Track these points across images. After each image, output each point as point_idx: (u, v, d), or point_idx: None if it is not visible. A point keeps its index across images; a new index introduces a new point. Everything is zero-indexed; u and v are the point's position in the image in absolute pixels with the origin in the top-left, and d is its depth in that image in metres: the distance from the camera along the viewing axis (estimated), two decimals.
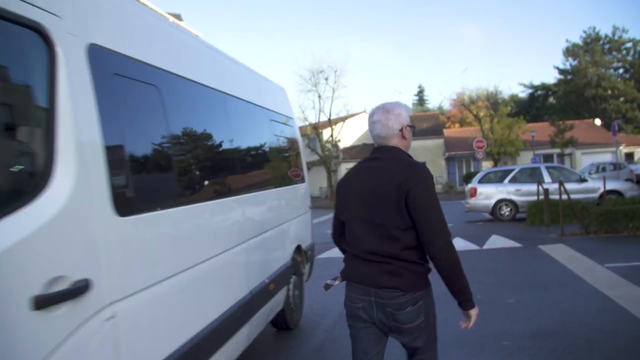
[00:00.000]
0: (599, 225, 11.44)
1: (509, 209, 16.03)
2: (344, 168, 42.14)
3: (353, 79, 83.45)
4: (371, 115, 2.77)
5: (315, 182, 43.79)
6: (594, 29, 60.87)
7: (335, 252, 6.15)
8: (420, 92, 79.91)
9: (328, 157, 32.02)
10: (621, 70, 59.72)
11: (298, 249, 6.27)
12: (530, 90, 67.47)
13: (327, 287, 2.95)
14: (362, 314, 2.66)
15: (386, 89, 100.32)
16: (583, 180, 15.85)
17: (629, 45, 59.04)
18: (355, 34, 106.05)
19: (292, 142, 6.78)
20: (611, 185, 15.54)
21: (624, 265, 8.23)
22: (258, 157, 5.38)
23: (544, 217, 13.78)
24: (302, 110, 51.05)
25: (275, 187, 5.69)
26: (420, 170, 2.56)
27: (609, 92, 56.40)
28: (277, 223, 5.49)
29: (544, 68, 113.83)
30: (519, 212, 15.91)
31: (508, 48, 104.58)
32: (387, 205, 2.55)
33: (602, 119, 51.31)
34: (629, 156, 44.37)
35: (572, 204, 12.07)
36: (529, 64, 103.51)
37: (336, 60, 68.71)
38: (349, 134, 48.70)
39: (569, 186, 14.58)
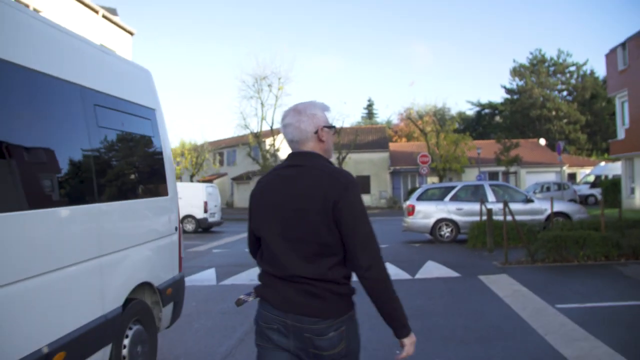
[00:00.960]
0: (547, 252, 10.03)
1: (449, 229, 14.52)
2: None
3: (300, 89, 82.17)
4: (283, 118, 2.45)
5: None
6: (540, 50, 61.85)
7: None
8: (370, 106, 79.36)
9: (266, 166, 30.22)
10: (565, 93, 60.57)
11: (146, 287, 4.47)
12: (477, 108, 67.86)
13: (240, 302, 2.51)
14: (276, 337, 2.32)
15: (335, 101, 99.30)
16: (529, 201, 14.56)
17: (572, 68, 60.16)
18: (306, 45, 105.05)
19: (148, 142, 4.94)
20: (559, 206, 14.28)
21: (579, 307, 6.73)
22: (76, 159, 3.62)
23: (486, 240, 12.34)
24: (243, 117, 49.69)
25: (106, 200, 3.88)
26: (347, 179, 2.27)
27: (553, 113, 57.15)
28: (98, 252, 3.67)
29: (493, 87, 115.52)
30: (461, 233, 14.45)
31: (458, 66, 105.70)
32: (310, 219, 2.22)
33: (546, 139, 51.64)
34: (572, 177, 44.56)
35: (517, 227, 10.64)
36: (478, 82, 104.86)
37: (280, 67, 66.99)
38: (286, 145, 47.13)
39: (514, 206, 13.26)
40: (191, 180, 47.33)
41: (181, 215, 22.23)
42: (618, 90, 28.11)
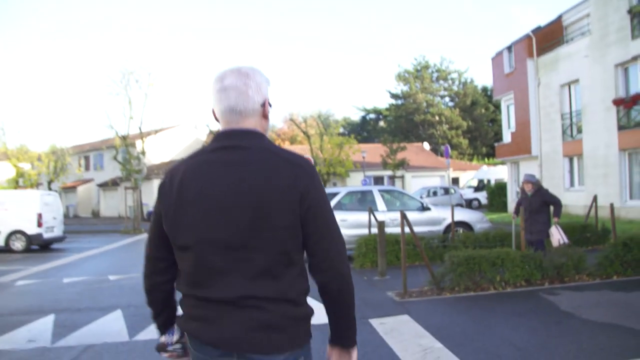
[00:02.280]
0: (457, 278, 7.60)
1: None
2: (147, 186, 36.56)
3: (175, 87, 76.99)
4: (220, 79, 1.82)
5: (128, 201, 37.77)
6: (424, 57, 62.25)
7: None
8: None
9: (129, 171, 26.28)
10: (447, 99, 61.31)
11: None
12: (362, 113, 67.23)
13: (163, 347, 1.93)
14: None
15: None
16: (425, 209, 12.23)
17: (454, 75, 60.96)
18: (184, 40, 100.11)
19: None
20: (459, 215, 12.10)
21: None
22: None
23: (377, 260, 9.82)
24: (108, 116, 44.93)
25: None
26: (310, 166, 1.79)
27: (437, 118, 57.44)
28: None
29: (379, 93, 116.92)
30: (346, 250, 11.86)
31: (344, 72, 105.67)
32: (269, 220, 1.68)
33: (430, 144, 51.62)
34: (455, 181, 44.41)
35: (419, 244, 8.14)
36: (365, 88, 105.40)
37: (150, 62, 62.08)
38: (166, 149, 43.18)
39: (409, 216, 10.92)
40: (49, 188, 41.70)
41: (6, 231, 18.56)
42: (504, 93, 27.36)
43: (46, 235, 17.87)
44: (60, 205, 19.61)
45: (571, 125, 22.62)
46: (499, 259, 7.68)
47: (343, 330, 1.88)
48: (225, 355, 1.72)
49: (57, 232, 18.77)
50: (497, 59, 27.97)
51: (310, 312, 1.83)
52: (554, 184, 23.34)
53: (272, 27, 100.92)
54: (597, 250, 11.13)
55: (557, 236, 8.44)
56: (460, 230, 11.95)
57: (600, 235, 11.83)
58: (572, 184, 22.86)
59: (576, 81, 21.92)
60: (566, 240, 8.40)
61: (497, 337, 5.45)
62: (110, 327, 6.50)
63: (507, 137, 27.60)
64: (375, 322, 6.19)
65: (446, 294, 7.51)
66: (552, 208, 8.64)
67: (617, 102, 19.27)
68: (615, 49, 19.39)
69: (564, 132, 22.92)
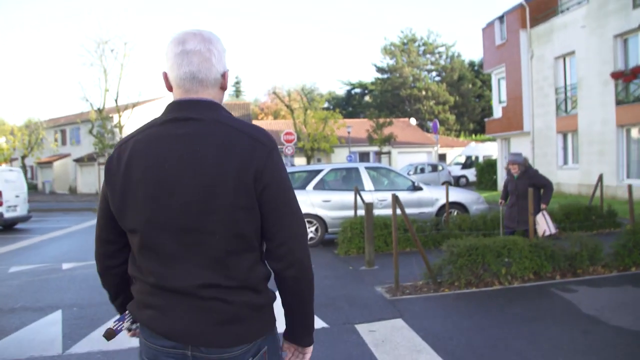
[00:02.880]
0: (457, 271, 6.56)
1: (313, 228, 10.63)
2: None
3: (153, 58, 74.42)
4: (181, 42, 1.62)
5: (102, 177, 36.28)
6: (411, 30, 60.85)
7: None
8: (237, 84, 74.68)
9: (103, 146, 24.89)
10: (434, 73, 60.09)
11: None
12: (348, 88, 65.84)
13: (112, 335, 1.69)
14: None
15: None
16: (417, 189, 11.12)
17: (441, 49, 59.70)
18: (165, 9, 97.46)
19: None
20: (453, 195, 11.02)
21: None
22: None
23: (364, 246, 8.77)
24: (82, 88, 43.20)
25: None
26: (270, 140, 1.62)
27: (423, 93, 56.33)
28: None
29: (365, 67, 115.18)
30: (329, 233, 10.80)
31: (330, 45, 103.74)
32: (221, 200, 1.51)
33: (416, 119, 50.60)
34: (442, 157, 43.52)
35: (412, 231, 7.02)
36: (351, 62, 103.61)
37: (127, 31, 59.53)
38: (142, 122, 41.41)
39: (399, 196, 9.97)
40: (22, 164, 40.04)
41: None
42: (495, 66, 26.23)
43: (7, 215, 16.52)
44: (24, 183, 18.24)
45: (565, 99, 21.63)
46: (505, 248, 6.65)
47: (299, 328, 1.73)
48: (178, 348, 1.56)
49: (21, 211, 17.41)
50: (487, 30, 26.78)
51: (272, 297, 1.67)
52: (547, 162, 22.46)
53: (255, 3, 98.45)
54: (603, 235, 10.23)
55: (543, 225, 7.60)
56: (455, 213, 10.92)
57: (606, 219, 10.87)
58: (565, 161, 21.95)
59: (572, 53, 20.86)
60: (553, 231, 7.59)
61: (514, 353, 4.42)
62: (43, 334, 5.37)
63: (497, 112, 26.56)
64: (363, 330, 5.13)
65: (445, 290, 6.47)
66: (541, 192, 7.80)
67: (616, 75, 18.26)
68: (615, 19, 18.31)
69: (558, 107, 21.92)
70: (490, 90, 58.36)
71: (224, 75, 1.69)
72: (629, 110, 17.89)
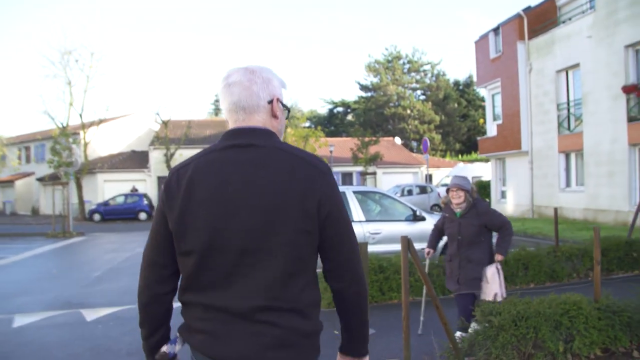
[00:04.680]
0: (499, 352, 4.36)
1: None
2: (91, 181, 32.73)
3: (124, 70, 71.63)
4: (227, 77, 1.79)
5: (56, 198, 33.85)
6: (396, 47, 59.35)
7: None
8: (217, 101, 72.54)
9: (58, 163, 22.52)
10: (419, 92, 58.55)
11: None
12: (330, 106, 64.02)
13: (164, 357, 1.77)
14: None
15: (179, 95, 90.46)
16: (418, 218, 8.90)
17: (427, 67, 58.29)
18: (142, 21, 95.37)
19: None
20: None
21: None
22: None
23: None
24: (43, 102, 40.69)
25: None
26: (326, 167, 1.73)
27: (408, 111, 54.59)
28: None
29: (348, 86, 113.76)
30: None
31: (312, 63, 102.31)
32: (284, 224, 1.60)
33: (401, 139, 48.86)
34: (428, 178, 41.71)
35: (427, 281, 4.80)
36: (335, 80, 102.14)
37: (93, 41, 57.07)
38: (116, 140, 39.22)
39: (397, 229, 7.86)
40: None
41: None
42: (489, 80, 24.40)
43: None
44: None
45: (569, 116, 19.79)
46: (566, 316, 4.51)
47: (359, 339, 1.81)
48: None
49: None
50: (481, 42, 25.03)
51: (320, 327, 1.74)
52: (547, 184, 20.56)
53: (236, 20, 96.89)
54: None
55: (495, 286, 5.00)
56: None
57: None
58: (568, 183, 20.03)
59: (576, 66, 19.08)
60: (504, 294, 5.04)
61: None
62: None
63: (492, 130, 24.68)
64: None
65: None
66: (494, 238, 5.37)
67: (628, 90, 16.47)
68: (626, 28, 16.58)
69: (559, 125, 20.07)
70: (476, 110, 57.50)
71: (271, 103, 1.76)
72: None
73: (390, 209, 9.33)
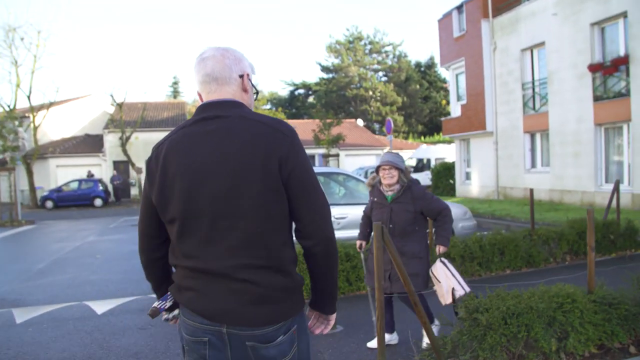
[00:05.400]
0: (488, 354, 3.81)
1: None
2: (42, 166, 31.26)
3: (75, 51, 68.69)
4: (202, 53, 1.93)
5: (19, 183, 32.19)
6: (357, 28, 58.68)
7: None
8: (175, 84, 70.61)
9: (3, 148, 21.17)
10: (381, 73, 58.03)
11: None
12: (291, 88, 62.99)
13: (155, 313, 1.97)
14: (210, 353, 1.80)
15: (136, 78, 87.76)
16: None
17: (388, 49, 57.72)
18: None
19: None
20: None
21: None
22: None
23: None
24: None
25: None
26: (291, 131, 1.83)
27: (370, 93, 54.05)
28: None
29: (311, 67, 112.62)
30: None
31: (273, 44, 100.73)
32: (249, 187, 1.72)
33: (363, 120, 48.41)
34: None
35: (400, 273, 4.26)
36: (295, 61, 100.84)
37: (40, 18, 54.33)
38: (69, 123, 37.49)
39: (360, 211, 7.29)
40: None
41: None
42: (452, 60, 23.96)
43: None
44: None
45: (534, 96, 19.52)
46: (560, 311, 3.98)
47: (326, 297, 1.94)
48: (214, 326, 1.75)
49: None
50: (444, 21, 24.55)
51: (300, 281, 1.85)
52: (513, 164, 20.34)
53: (194, 3, 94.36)
54: (624, 259, 7.87)
55: (447, 283, 4.33)
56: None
57: (626, 237, 8.46)
58: (534, 164, 19.83)
59: (541, 44, 18.76)
60: (467, 289, 4.32)
61: None
62: None
63: (456, 111, 24.31)
64: None
65: None
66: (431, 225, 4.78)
67: (594, 68, 16.22)
68: (592, 5, 16.27)
69: (524, 104, 19.80)
70: (437, 91, 57.44)
71: (242, 77, 1.91)
72: (609, 107, 15.86)
73: (356, 192, 8.73)
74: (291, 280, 1.79)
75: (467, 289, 4.34)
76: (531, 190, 8.16)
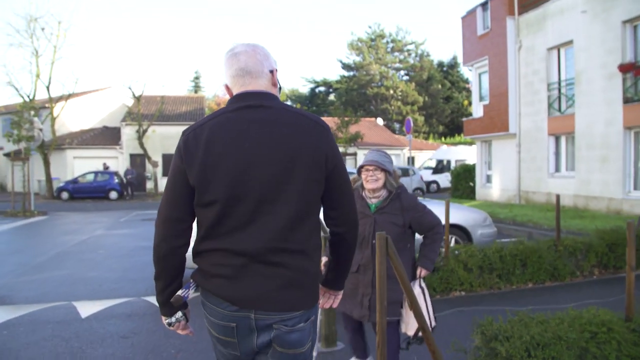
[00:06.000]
0: None
1: None
2: (59, 157, 31.19)
3: (95, 42, 68.57)
4: (233, 49, 2.01)
5: (36, 173, 32.21)
6: (379, 25, 57.84)
7: None
8: (197, 79, 70.47)
9: (18, 137, 20.99)
10: (402, 72, 57.20)
11: None
12: (312, 86, 62.45)
13: (179, 301, 1.93)
14: (238, 339, 1.86)
15: (157, 71, 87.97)
16: None
17: (411, 47, 56.87)
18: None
19: None
20: (453, 215, 7.66)
21: None
22: None
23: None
24: (8, 74, 38.70)
25: None
26: (328, 126, 1.97)
27: (391, 92, 53.27)
28: None
29: (332, 64, 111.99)
30: None
31: (294, 41, 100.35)
32: (298, 174, 1.82)
33: (383, 120, 47.73)
34: (411, 161, 40.71)
35: (405, 291, 3.69)
36: (317, 59, 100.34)
37: (61, 9, 54.06)
38: (88, 115, 37.47)
39: None
40: None
41: None
42: (476, 58, 23.22)
43: None
44: None
45: (559, 97, 18.74)
46: (593, 342, 3.40)
47: (341, 277, 2.16)
48: (242, 311, 1.80)
49: None
50: (468, 18, 23.82)
51: (320, 269, 1.96)
52: (536, 167, 19.59)
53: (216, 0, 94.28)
54: None
55: (419, 314, 3.44)
56: (453, 240, 7.70)
57: None
58: (558, 168, 19.05)
59: (569, 43, 17.98)
60: (433, 322, 3.72)
61: None
62: None
63: (478, 111, 23.58)
64: None
65: None
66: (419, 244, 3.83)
67: (625, 68, 15.42)
68: (624, 2, 15.46)
69: (550, 106, 19.02)
70: (460, 92, 56.42)
71: (272, 72, 1.99)
72: (639, 109, 15.07)
73: None
74: (315, 266, 1.89)
75: (434, 323, 3.68)
76: (557, 197, 7.53)
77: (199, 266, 1.91)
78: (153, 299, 6.70)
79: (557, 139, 18.98)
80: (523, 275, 6.73)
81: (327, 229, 2.10)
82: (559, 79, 18.77)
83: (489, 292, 6.52)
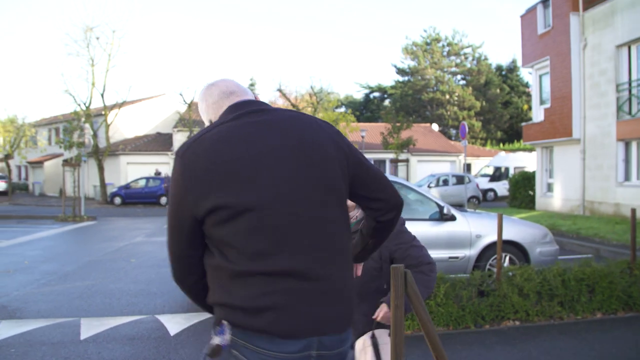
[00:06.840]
0: None
1: None
2: (113, 163, 31.65)
3: (149, 50, 69.83)
4: (207, 84, 1.86)
5: (91, 179, 32.93)
6: (435, 29, 56.41)
7: None
8: (252, 85, 70.93)
9: (69, 144, 21.28)
10: (459, 77, 55.57)
11: None
12: (366, 91, 61.63)
13: (216, 352, 1.52)
14: None
15: (209, 76, 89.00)
16: (447, 217, 6.72)
17: (467, 51, 55.19)
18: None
19: None
20: (507, 230, 6.66)
21: None
22: None
23: None
24: (65, 82, 39.73)
25: None
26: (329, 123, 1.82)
27: (447, 97, 51.77)
28: None
29: (386, 70, 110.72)
30: None
31: (349, 47, 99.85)
32: (329, 173, 1.62)
33: (439, 125, 46.37)
34: (467, 168, 39.20)
35: (421, 324, 2.86)
36: (371, 64, 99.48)
37: (115, 18, 55.07)
38: (142, 122, 38.04)
39: (418, 228, 5.81)
40: (6, 164, 36.28)
41: None
42: (536, 59, 21.80)
43: None
44: None
45: (630, 98, 17.18)
46: None
47: (370, 252, 1.99)
48: (303, 351, 1.50)
49: None
50: (527, 16, 22.44)
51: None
52: (602, 176, 18.07)
53: (269, 5, 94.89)
54: None
55: None
56: (507, 259, 6.73)
57: None
58: (627, 177, 17.45)
59: None
60: None
61: None
62: None
63: (538, 115, 22.12)
64: None
65: None
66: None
67: None
68: None
69: (619, 108, 17.48)
70: (519, 96, 54.27)
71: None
72: None
73: (413, 204, 7.27)
74: (352, 271, 1.70)
75: None
76: (633, 211, 6.45)
77: (233, 301, 1.53)
78: (165, 318, 6.12)
79: (627, 145, 17.41)
80: (590, 304, 5.68)
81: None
82: (630, 78, 17.22)
83: (548, 322, 5.53)
